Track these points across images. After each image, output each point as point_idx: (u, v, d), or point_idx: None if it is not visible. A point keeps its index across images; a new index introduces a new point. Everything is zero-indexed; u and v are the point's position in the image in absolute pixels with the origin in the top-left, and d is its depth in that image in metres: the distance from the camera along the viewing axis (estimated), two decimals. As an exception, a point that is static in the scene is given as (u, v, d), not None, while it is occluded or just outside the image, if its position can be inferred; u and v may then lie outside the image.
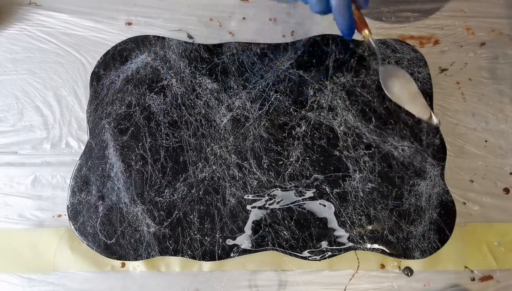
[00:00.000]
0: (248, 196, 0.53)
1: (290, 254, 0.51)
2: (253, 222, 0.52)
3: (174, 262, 0.55)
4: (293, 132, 0.55)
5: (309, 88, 0.58)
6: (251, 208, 0.52)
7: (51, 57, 0.65)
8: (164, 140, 0.55)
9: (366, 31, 0.50)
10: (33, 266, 0.55)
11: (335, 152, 0.54)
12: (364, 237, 0.51)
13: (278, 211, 0.52)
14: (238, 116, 0.56)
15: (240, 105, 0.57)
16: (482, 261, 0.56)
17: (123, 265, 0.55)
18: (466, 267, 0.56)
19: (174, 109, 0.56)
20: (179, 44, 0.60)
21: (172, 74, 0.58)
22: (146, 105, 0.57)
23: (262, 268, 0.55)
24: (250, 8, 0.68)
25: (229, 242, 0.51)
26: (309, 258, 0.51)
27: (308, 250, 0.51)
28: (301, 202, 0.53)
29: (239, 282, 0.55)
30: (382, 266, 0.56)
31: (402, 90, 0.53)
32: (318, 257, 0.51)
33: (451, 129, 0.62)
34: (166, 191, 0.53)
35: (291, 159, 0.54)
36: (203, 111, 0.57)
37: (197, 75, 0.58)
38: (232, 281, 0.55)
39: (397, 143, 0.55)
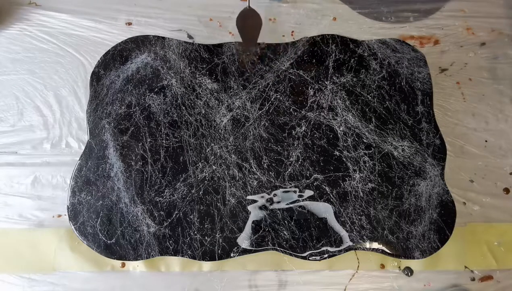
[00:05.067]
0: (248, 196, 0.53)
1: (290, 254, 0.51)
2: (253, 222, 0.52)
3: (174, 262, 0.55)
4: (293, 132, 0.55)
5: (309, 88, 0.58)
6: (251, 208, 0.52)
7: (51, 57, 0.65)
8: (164, 140, 0.55)
9: None
10: (33, 266, 0.55)
11: (335, 152, 0.54)
12: (364, 237, 0.51)
13: (278, 211, 0.52)
14: (238, 116, 0.56)
15: (240, 105, 0.57)
16: (482, 261, 0.56)
17: (123, 265, 0.55)
18: (466, 267, 0.56)
19: (174, 109, 0.56)
20: (179, 44, 0.60)
21: (172, 74, 0.58)
22: (146, 105, 0.57)
23: (262, 268, 0.55)
24: (250, 8, 0.68)
25: (230, 242, 0.51)
26: (309, 258, 0.51)
27: (308, 250, 0.51)
28: (301, 202, 0.53)
29: (239, 282, 0.55)
30: (382, 266, 0.56)
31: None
32: (318, 257, 0.51)
33: (451, 129, 0.62)
34: (166, 191, 0.53)
35: (291, 159, 0.54)
36: (203, 111, 0.57)
37: (197, 75, 0.58)
38: (232, 281, 0.55)
39: (397, 143, 0.55)
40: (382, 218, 0.52)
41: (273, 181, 0.53)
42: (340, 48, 0.59)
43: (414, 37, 0.67)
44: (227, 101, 0.57)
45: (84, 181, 0.54)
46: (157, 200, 0.53)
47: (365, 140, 0.55)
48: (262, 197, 0.53)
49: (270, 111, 0.57)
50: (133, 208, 0.52)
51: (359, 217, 0.52)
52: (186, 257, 0.51)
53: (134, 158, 0.54)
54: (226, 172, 0.54)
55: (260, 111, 0.57)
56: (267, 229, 0.52)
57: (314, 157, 0.54)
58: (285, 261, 0.55)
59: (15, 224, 0.57)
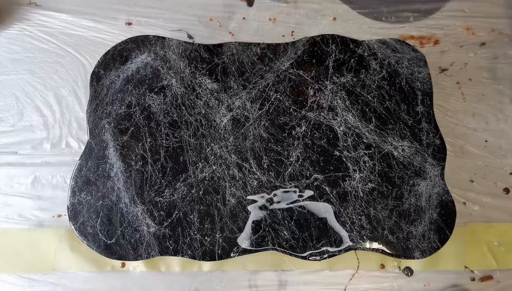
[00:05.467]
0: (248, 196, 0.53)
1: (290, 254, 0.51)
2: (253, 222, 0.52)
3: (174, 262, 0.55)
4: (293, 132, 0.55)
5: (309, 88, 0.58)
6: (251, 208, 0.52)
7: (51, 57, 0.65)
8: (164, 140, 0.55)
9: None
10: (33, 266, 0.55)
11: (335, 152, 0.54)
12: (364, 237, 0.51)
13: (278, 211, 0.52)
14: (238, 116, 0.56)
15: (240, 105, 0.57)
16: (482, 261, 0.56)
17: (123, 265, 0.55)
18: (466, 267, 0.56)
19: (174, 109, 0.56)
20: (179, 44, 0.60)
21: (172, 74, 0.58)
22: (146, 105, 0.57)
23: (262, 268, 0.55)
24: (250, 8, 0.68)
25: (230, 242, 0.51)
26: (309, 258, 0.51)
27: (308, 250, 0.51)
28: (301, 202, 0.53)
29: (239, 282, 0.55)
30: (382, 266, 0.56)
31: None
32: (318, 257, 0.51)
33: (451, 129, 0.62)
34: (166, 191, 0.53)
35: (291, 159, 0.54)
36: (203, 111, 0.57)
37: (197, 75, 0.58)
38: (232, 281, 0.55)
39: (397, 143, 0.55)
40: (382, 218, 0.52)
41: (273, 181, 0.53)
42: (340, 48, 0.59)
43: (414, 37, 0.67)
44: (227, 101, 0.57)
45: (84, 181, 0.54)
46: (157, 200, 0.53)
47: (365, 140, 0.55)
48: (262, 197, 0.53)
49: (270, 111, 0.57)
50: (133, 208, 0.52)
51: (359, 217, 0.52)
52: (186, 257, 0.51)
53: (134, 158, 0.54)
54: (226, 172, 0.54)
55: (260, 111, 0.57)
56: (267, 229, 0.52)
57: (314, 157, 0.54)
58: (285, 261, 0.55)
59: (15, 224, 0.57)
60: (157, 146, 0.55)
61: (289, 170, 0.54)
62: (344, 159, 0.54)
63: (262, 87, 0.58)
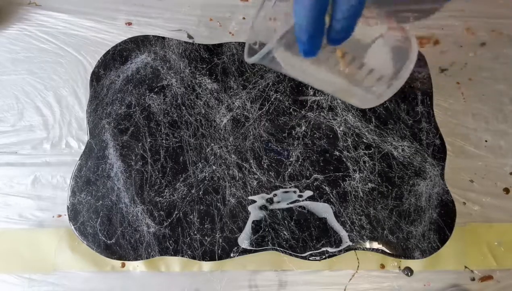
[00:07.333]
0: (248, 196, 0.53)
1: (290, 254, 0.51)
2: (253, 222, 0.52)
3: (174, 262, 0.55)
4: (293, 132, 0.55)
5: (309, 88, 0.58)
6: (251, 208, 0.52)
7: (51, 57, 0.64)
8: (164, 140, 0.55)
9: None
10: (33, 266, 0.55)
11: (335, 152, 0.54)
12: (364, 237, 0.51)
13: (278, 211, 0.52)
14: (238, 116, 0.56)
15: (240, 105, 0.57)
16: (482, 261, 0.56)
17: (123, 265, 0.55)
18: (466, 267, 0.56)
19: (174, 109, 0.56)
20: (179, 44, 0.60)
21: (172, 74, 0.58)
22: (146, 105, 0.57)
23: (262, 268, 0.55)
24: (250, 8, 0.68)
25: (230, 242, 0.51)
26: (309, 258, 0.51)
27: (308, 250, 0.51)
28: (301, 202, 0.53)
29: (239, 282, 0.55)
30: (382, 266, 0.56)
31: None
32: (318, 257, 0.51)
33: (451, 129, 0.62)
34: (166, 191, 0.53)
35: (291, 159, 0.54)
36: (203, 111, 0.57)
37: (197, 75, 0.58)
38: (232, 281, 0.55)
39: (397, 143, 0.55)
40: (382, 218, 0.52)
41: (273, 181, 0.53)
42: (340, 48, 0.59)
43: (414, 37, 0.67)
44: (227, 101, 0.57)
45: (84, 181, 0.54)
46: (157, 200, 0.52)
47: (365, 140, 0.55)
48: (262, 197, 0.53)
49: (270, 111, 0.57)
50: (133, 208, 0.52)
51: (359, 217, 0.52)
52: (186, 257, 0.51)
53: (134, 158, 0.54)
54: (226, 172, 0.54)
55: (260, 111, 0.57)
56: (267, 229, 0.52)
57: (314, 157, 0.54)
58: (285, 261, 0.55)
59: (15, 224, 0.57)
60: (157, 146, 0.55)
61: (289, 170, 0.54)
62: (344, 159, 0.54)
63: (262, 87, 0.58)
